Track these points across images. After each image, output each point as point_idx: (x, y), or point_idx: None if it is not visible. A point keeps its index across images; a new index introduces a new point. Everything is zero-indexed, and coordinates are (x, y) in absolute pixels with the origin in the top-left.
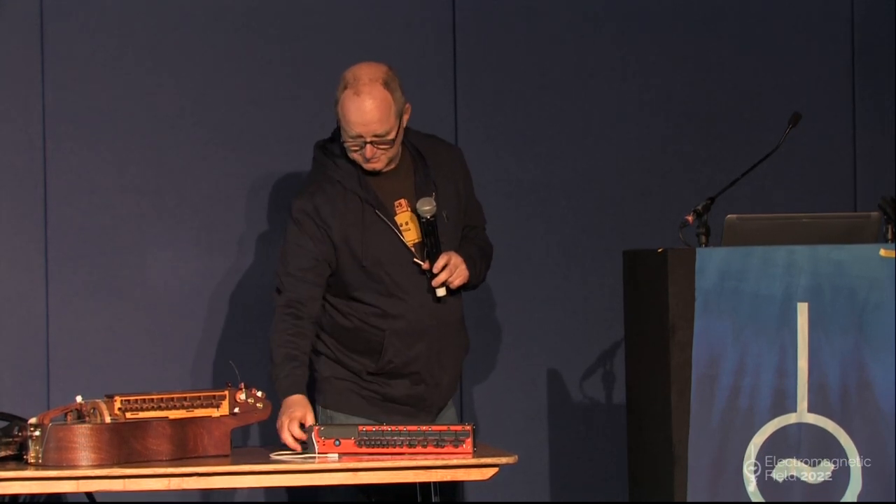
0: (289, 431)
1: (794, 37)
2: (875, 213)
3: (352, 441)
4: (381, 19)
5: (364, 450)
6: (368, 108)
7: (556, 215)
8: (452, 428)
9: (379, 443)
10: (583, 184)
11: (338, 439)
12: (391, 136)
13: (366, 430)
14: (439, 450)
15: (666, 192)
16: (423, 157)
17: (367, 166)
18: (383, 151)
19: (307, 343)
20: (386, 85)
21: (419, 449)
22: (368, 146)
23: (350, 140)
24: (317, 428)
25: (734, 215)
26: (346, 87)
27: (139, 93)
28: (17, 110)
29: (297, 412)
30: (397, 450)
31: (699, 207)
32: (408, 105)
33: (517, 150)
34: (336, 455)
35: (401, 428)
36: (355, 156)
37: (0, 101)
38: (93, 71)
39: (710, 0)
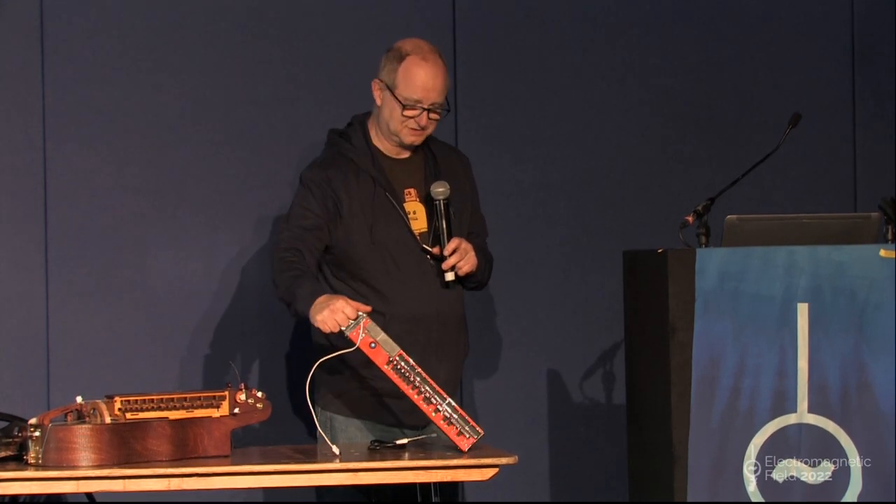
0: (343, 312)
1: (794, 37)
2: (875, 214)
3: (385, 358)
4: (381, 19)
5: (392, 374)
6: (435, 74)
7: (555, 216)
8: (470, 420)
9: (405, 378)
10: (583, 184)
11: (374, 342)
12: (444, 108)
13: (402, 358)
14: (443, 425)
15: (666, 192)
16: (434, 155)
17: (409, 139)
18: (432, 123)
19: (310, 268)
20: (443, 58)
21: (432, 406)
22: (424, 114)
23: (407, 107)
24: (367, 321)
25: (734, 216)
26: (407, 54)
27: (139, 93)
28: (17, 110)
29: (337, 300)
30: (414, 390)
31: (699, 208)
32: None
33: (517, 151)
34: (336, 449)
35: (431, 381)
36: (404, 126)
37: (0, 101)
38: (93, 71)
39: (710, 1)
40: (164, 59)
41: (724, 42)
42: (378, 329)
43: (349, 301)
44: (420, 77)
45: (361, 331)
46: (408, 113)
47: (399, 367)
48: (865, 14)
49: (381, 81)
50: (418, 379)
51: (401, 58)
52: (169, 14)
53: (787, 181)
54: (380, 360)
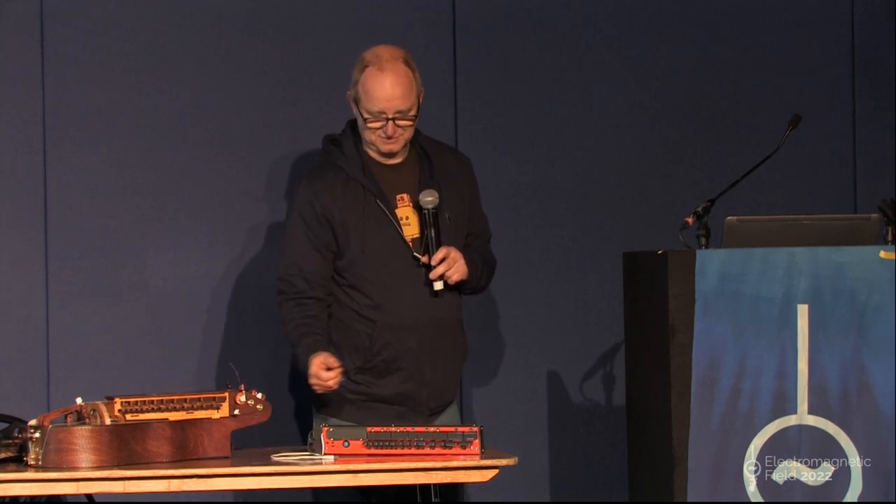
0: (316, 377)
1: (794, 37)
2: (875, 215)
3: (360, 442)
4: (381, 20)
5: (373, 451)
6: (393, 84)
7: (555, 217)
8: (460, 429)
9: (387, 444)
10: (583, 185)
11: (347, 440)
12: (412, 113)
13: (374, 431)
14: (447, 451)
15: (666, 193)
16: (429, 157)
17: (385, 147)
18: (403, 130)
19: (318, 322)
20: (406, 63)
21: (427, 450)
22: (390, 123)
23: (371, 117)
24: (326, 428)
25: (734, 217)
26: (367, 66)
27: (139, 94)
28: (17, 111)
29: (317, 359)
30: (405, 451)
31: (699, 209)
32: (422, 88)
33: (517, 152)
34: (332, 457)
35: (409, 429)
36: (374, 136)
37: (0, 102)
38: (93, 72)
39: (710, 1)
40: (164, 60)
41: (724, 42)
42: (338, 429)
43: (317, 368)
44: (377, 88)
45: (325, 444)
46: (372, 125)
47: (378, 442)
48: (865, 14)
49: (351, 94)
50: (398, 437)
51: (361, 70)
52: (169, 16)
53: (787, 182)
54: (359, 449)
